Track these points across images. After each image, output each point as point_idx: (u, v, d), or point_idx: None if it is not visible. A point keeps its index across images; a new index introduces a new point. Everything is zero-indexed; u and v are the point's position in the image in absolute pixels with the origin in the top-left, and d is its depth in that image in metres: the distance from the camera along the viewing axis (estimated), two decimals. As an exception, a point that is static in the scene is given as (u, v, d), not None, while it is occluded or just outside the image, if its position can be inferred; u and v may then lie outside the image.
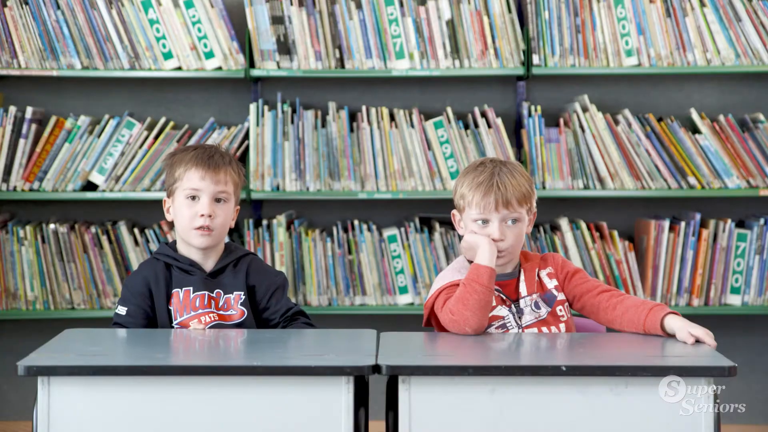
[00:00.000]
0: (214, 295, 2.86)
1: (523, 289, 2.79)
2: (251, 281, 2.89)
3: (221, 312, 2.85)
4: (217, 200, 2.86)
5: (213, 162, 2.86)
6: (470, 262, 2.76)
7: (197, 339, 2.69)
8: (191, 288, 2.85)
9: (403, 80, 4.53)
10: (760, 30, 4.28)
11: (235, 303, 2.86)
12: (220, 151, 2.91)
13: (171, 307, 2.84)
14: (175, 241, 2.94)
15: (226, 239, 2.97)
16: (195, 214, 2.84)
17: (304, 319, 2.90)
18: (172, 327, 2.83)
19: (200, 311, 2.83)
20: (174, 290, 2.85)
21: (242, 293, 2.87)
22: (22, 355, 2.40)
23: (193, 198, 2.86)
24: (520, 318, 2.76)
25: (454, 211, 2.84)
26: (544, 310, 2.77)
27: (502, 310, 2.75)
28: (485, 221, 2.75)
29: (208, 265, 2.89)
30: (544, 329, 2.76)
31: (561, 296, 2.80)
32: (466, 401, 2.34)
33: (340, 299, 4.34)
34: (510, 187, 2.74)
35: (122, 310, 2.85)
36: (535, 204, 2.81)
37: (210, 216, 2.83)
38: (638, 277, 4.34)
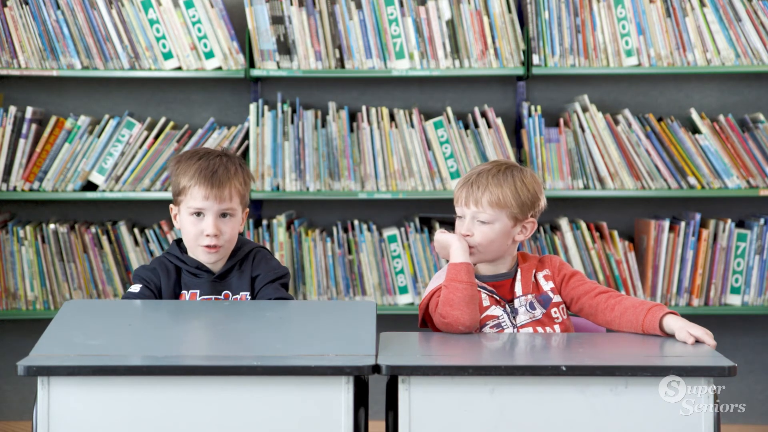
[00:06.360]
0: (221, 297, 2.82)
1: (518, 289, 2.78)
2: (254, 272, 2.84)
3: None
4: (223, 215, 2.80)
5: (216, 179, 2.77)
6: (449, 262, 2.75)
7: (199, 328, 2.69)
8: (198, 291, 2.82)
9: (403, 80, 4.53)
10: (760, 30, 4.28)
11: None
12: (224, 163, 2.81)
13: None
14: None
15: None
16: (200, 232, 2.78)
17: None
18: None
19: None
20: (182, 292, 2.82)
21: (248, 294, 2.83)
22: (22, 355, 2.39)
23: (198, 214, 2.79)
24: (514, 318, 2.76)
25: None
26: (539, 311, 2.77)
27: (496, 310, 2.75)
28: (461, 218, 2.76)
29: (217, 267, 2.84)
30: (539, 329, 2.75)
31: (557, 298, 2.79)
32: (465, 401, 2.34)
33: (340, 299, 4.34)
34: (487, 190, 2.72)
35: (135, 288, 2.79)
36: (530, 215, 2.76)
37: (216, 235, 2.78)
38: (638, 277, 4.34)
